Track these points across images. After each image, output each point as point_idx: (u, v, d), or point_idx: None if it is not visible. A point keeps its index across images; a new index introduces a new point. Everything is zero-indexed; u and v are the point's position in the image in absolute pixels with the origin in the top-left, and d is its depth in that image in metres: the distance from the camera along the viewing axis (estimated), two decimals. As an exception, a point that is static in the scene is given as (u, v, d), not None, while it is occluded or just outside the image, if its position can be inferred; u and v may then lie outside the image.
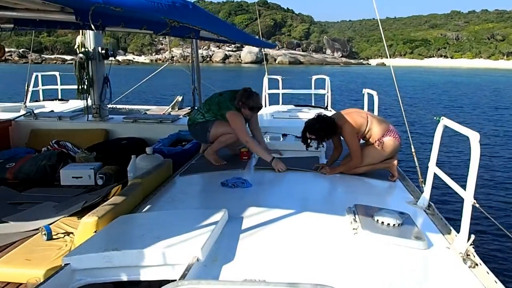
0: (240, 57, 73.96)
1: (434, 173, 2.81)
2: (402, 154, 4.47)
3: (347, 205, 2.71)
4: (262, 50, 72.15)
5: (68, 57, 63.82)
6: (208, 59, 73.52)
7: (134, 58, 71.59)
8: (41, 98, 8.50)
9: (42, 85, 8.41)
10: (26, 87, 7.67)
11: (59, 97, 8.60)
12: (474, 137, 2.19)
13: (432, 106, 21.09)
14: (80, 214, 2.93)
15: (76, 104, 7.52)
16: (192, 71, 5.83)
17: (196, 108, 4.22)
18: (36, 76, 8.13)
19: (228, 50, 75.27)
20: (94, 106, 5.95)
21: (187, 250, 1.97)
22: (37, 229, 2.99)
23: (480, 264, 2.10)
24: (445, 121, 2.63)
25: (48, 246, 2.72)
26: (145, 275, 2.01)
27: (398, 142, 3.72)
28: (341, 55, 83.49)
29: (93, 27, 2.27)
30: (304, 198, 3.41)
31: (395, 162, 3.74)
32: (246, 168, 3.91)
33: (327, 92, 8.07)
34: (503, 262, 5.09)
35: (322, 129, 3.68)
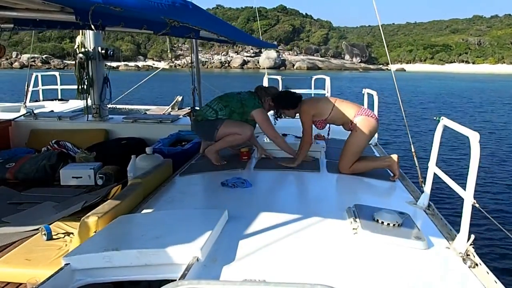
0: (258, 62, 73.45)
1: (434, 173, 2.81)
2: (402, 154, 4.47)
3: (347, 205, 2.71)
4: (280, 55, 72.20)
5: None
6: (226, 64, 73.55)
7: (153, 64, 71.76)
8: (41, 98, 8.51)
9: (42, 85, 8.41)
10: (26, 87, 7.67)
11: (59, 97, 8.61)
12: (474, 137, 2.19)
13: (448, 111, 20.81)
14: (80, 214, 2.93)
15: (76, 104, 7.53)
16: (192, 71, 5.84)
17: (206, 105, 4.21)
18: (36, 76, 8.13)
19: (247, 56, 74.98)
20: (94, 106, 5.95)
21: (187, 250, 1.97)
22: (37, 229, 2.99)
23: (480, 264, 2.10)
24: (445, 121, 2.63)
25: (48, 246, 2.72)
26: (145, 275, 2.01)
27: (373, 119, 3.71)
28: (360, 60, 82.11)
29: (93, 27, 2.27)
30: (304, 198, 3.41)
31: (395, 158, 3.72)
32: (246, 168, 3.91)
33: (327, 92, 8.08)
34: (503, 262, 5.09)
35: (282, 98, 3.95)
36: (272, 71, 63.23)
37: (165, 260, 1.96)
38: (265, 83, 7.81)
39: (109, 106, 6.35)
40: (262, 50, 74.35)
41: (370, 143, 5.25)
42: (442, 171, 2.72)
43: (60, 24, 3.39)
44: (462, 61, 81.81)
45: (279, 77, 8.23)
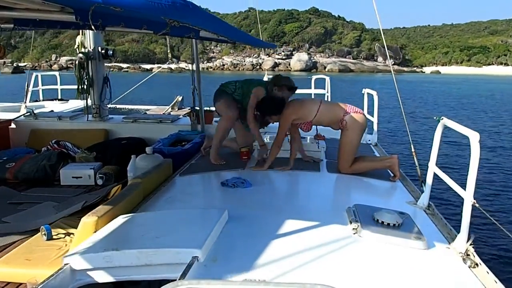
0: (289, 65, 73.54)
1: (434, 173, 2.81)
2: (402, 154, 4.47)
3: (347, 205, 2.71)
4: (311, 57, 71.66)
5: (124, 65, 66.59)
6: (258, 67, 73.45)
7: (186, 66, 72.11)
8: (41, 98, 8.51)
9: (42, 85, 8.41)
10: (26, 87, 7.67)
11: (59, 97, 8.61)
12: (474, 137, 2.19)
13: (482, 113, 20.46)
14: (80, 214, 2.92)
15: (76, 104, 7.53)
16: (192, 72, 5.83)
17: (234, 81, 4.32)
18: (36, 76, 8.13)
19: (278, 58, 75.14)
20: (94, 106, 5.95)
21: (187, 250, 1.97)
22: (37, 229, 2.99)
23: (480, 264, 2.10)
24: (445, 121, 2.63)
25: (48, 246, 2.72)
26: (145, 275, 2.01)
27: (361, 115, 3.72)
28: (393, 62, 78.98)
29: (93, 27, 2.27)
30: (304, 198, 3.41)
31: (395, 159, 3.72)
32: (246, 168, 3.91)
33: (327, 92, 8.08)
34: (503, 262, 5.09)
35: (266, 106, 3.84)
36: (303, 73, 62.50)
37: (165, 260, 1.96)
38: None
39: (109, 106, 6.35)
40: (293, 52, 73.82)
41: (370, 143, 5.26)
42: (442, 171, 2.72)
43: (60, 24, 3.39)
44: (501, 63, 79.47)
45: None
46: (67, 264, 1.97)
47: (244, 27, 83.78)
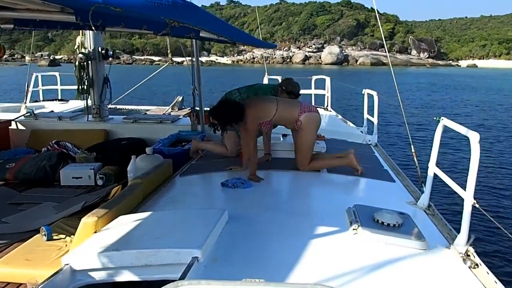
0: (320, 58, 72.85)
1: (434, 173, 2.81)
2: (402, 154, 4.46)
3: (347, 205, 2.71)
4: (343, 50, 70.33)
5: (156, 58, 67.13)
6: (288, 60, 73.31)
7: (217, 59, 72.16)
8: (41, 98, 8.51)
9: (42, 86, 8.41)
10: (26, 87, 7.67)
11: (59, 98, 8.60)
12: (474, 138, 2.19)
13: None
14: (80, 214, 2.92)
15: (76, 104, 7.52)
16: (192, 72, 5.82)
17: (237, 89, 4.31)
18: (36, 76, 8.13)
19: (309, 51, 74.53)
20: (94, 107, 5.95)
21: (187, 251, 1.97)
22: (37, 229, 2.99)
23: (480, 264, 2.10)
24: (445, 121, 2.64)
25: (48, 247, 2.72)
26: (145, 275, 2.00)
27: (316, 113, 3.73)
28: (427, 56, 78.48)
29: (93, 27, 2.27)
30: (304, 198, 3.41)
31: (351, 155, 3.73)
32: (246, 169, 3.90)
33: (327, 92, 8.07)
34: (503, 262, 5.09)
35: (226, 112, 3.54)
36: (334, 67, 61.34)
37: (165, 261, 1.96)
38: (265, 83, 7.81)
39: (109, 106, 6.35)
40: (325, 45, 72.43)
41: (370, 143, 5.27)
42: (442, 171, 2.72)
43: (60, 24, 3.39)
44: (543, 57, 75.43)
45: (279, 78, 8.22)
46: (67, 264, 1.97)
47: (275, 20, 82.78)
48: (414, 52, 79.47)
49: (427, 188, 2.94)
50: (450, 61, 78.68)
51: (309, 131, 3.68)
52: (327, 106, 8.07)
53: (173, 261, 1.96)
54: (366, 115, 5.78)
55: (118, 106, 8.20)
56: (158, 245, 2.03)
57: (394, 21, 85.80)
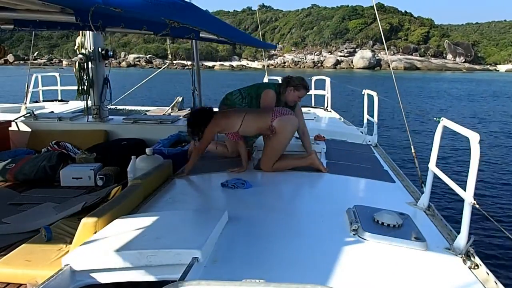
0: (352, 62, 71.49)
1: (434, 174, 2.81)
2: (402, 154, 4.46)
3: (347, 206, 2.71)
4: (375, 55, 69.10)
5: (188, 62, 65.64)
6: (319, 64, 72.35)
7: (248, 64, 72.17)
8: (41, 99, 8.51)
9: (42, 86, 8.41)
10: (26, 88, 7.67)
11: (59, 98, 8.61)
12: (474, 138, 2.19)
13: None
14: (80, 215, 2.93)
15: (76, 105, 7.53)
16: (192, 72, 5.83)
17: (238, 90, 4.30)
18: (36, 77, 8.13)
19: (340, 56, 73.20)
20: (94, 107, 5.95)
21: (187, 251, 1.97)
22: (37, 230, 2.99)
23: (480, 264, 2.10)
24: (445, 122, 2.63)
25: (48, 247, 2.72)
26: (145, 276, 2.00)
27: (289, 115, 3.74)
28: (463, 60, 76.13)
29: (93, 27, 2.28)
30: (304, 199, 3.41)
31: (312, 155, 3.79)
32: (246, 169, 3.90)
33: (327, 93, 8.08)
34: (504, 263, 5.09)
35: (193, 122, 3.82)
36: (366, 71, 60.19)
37: (165, 261, 1.96)
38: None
39: (109, 107, 6.35)
40: (357, 50, 70.76)
41: (370, 144, 5.26)
42: (442, 171, 2.72)
43: (60, 25, 3.40)
44: None
45: (279, 78, 8.22)
46: (67, 265, 1.97)
47: (307, 24, 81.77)
48: (449, 56, 77.14)
49: (427, 189, 2.94)
50: (488, 66, 76.03)
51: (284, 135, 3.72)
52: (327, 106, 8.08)
53: (173, 262, 1.96)
54: (366, 116, 5.78)
55: (118, 107, 8.20)
56: (158, 246, 2.03)
57: (429, 25, 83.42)
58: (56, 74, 8.71)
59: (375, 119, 5.32)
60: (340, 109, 9.61)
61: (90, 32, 5.65)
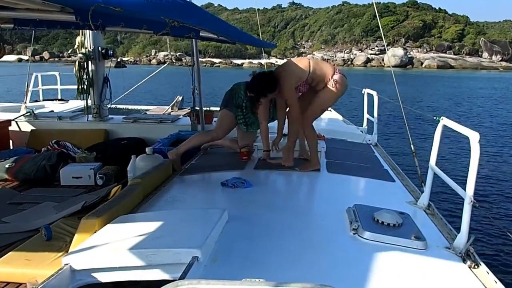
0: (383, 60, 68.90)
1: (434, 173, 2.81)
2: (402, 154, 4.46)
3: (347, 205, 2.71)
4: (407, 53, 67.15)
5: (216, 60, 67.89)
6: (349, 62, 70.87)
7: (276, 61, 72.10)
8: (41, 98, 8.50)
9: (42, 85, 8.40)
10: (26, 87, 7.66)
11: (59, 97, 8.60)
12: (474, 137, 2.19)
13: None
14: (80, 214, 2.93)
15: (76, 104, 7.52)
16: (192, 71, 5.82)
17: (245, 81, 4.26)
18: (36, 76, 8.12)
19: (371, 54, 71.10)
20: (94, 106, 5.95)
21: (187, 250, 1.97)
22: (37, 229, 2.99)
23: (480, 264, 2.10)
24: (444, 121, 2.63)
25: (48, 246, 2.71)
26: (145, 275, 2.00)
27: (345, 78, 3.70)
28: (500, 58, 72.22)
29: (93, 27, 2.28)
30: (304, 198, 3.41)
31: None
32: (246, 168, 3.90)
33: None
34: (503, 262, 5.09)
35: (260, 84, 3.65)
36: (397, 69, 57.72)
37: (165, 260, 1.96)
38: None
39: (109, 106, 6.35)
40: (388, 47, 68.02)
41: (370, 143, 5.27)
42: (442, 171, 2.72)
43: (60, 24, 3.39)
44: None
45: None
46: (67, 264, 1.97)
47: (337, 22, 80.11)
48: (485, 54, 73.63)
49: (427, 188, 2.94)
50: (527, 64, 72.03)
51: (337, 92, 3.60)
52: None
53: (173, 261, 1.96)
54: (366, 115, 5.78)
55: (118, 106, 8.20)
56: (158, 245, 2.03)
57: (464, 22, 79.99)
58: (56, 73, 8.70)
59: (375, 118, 5.32)
60: (340, 109, 9.60)
61: (90, 31, 5.65)
